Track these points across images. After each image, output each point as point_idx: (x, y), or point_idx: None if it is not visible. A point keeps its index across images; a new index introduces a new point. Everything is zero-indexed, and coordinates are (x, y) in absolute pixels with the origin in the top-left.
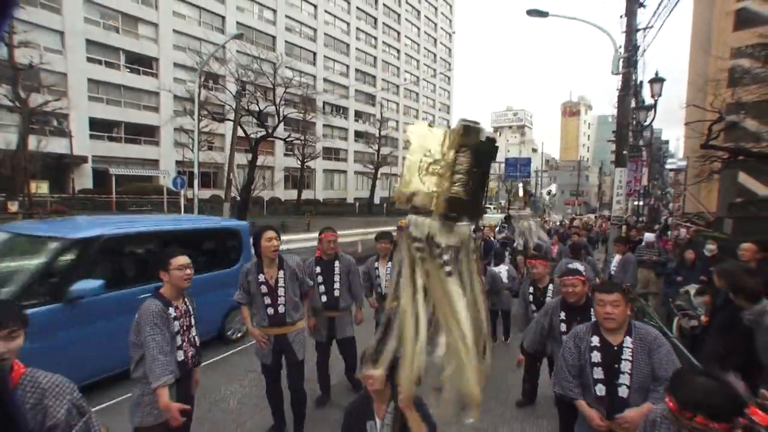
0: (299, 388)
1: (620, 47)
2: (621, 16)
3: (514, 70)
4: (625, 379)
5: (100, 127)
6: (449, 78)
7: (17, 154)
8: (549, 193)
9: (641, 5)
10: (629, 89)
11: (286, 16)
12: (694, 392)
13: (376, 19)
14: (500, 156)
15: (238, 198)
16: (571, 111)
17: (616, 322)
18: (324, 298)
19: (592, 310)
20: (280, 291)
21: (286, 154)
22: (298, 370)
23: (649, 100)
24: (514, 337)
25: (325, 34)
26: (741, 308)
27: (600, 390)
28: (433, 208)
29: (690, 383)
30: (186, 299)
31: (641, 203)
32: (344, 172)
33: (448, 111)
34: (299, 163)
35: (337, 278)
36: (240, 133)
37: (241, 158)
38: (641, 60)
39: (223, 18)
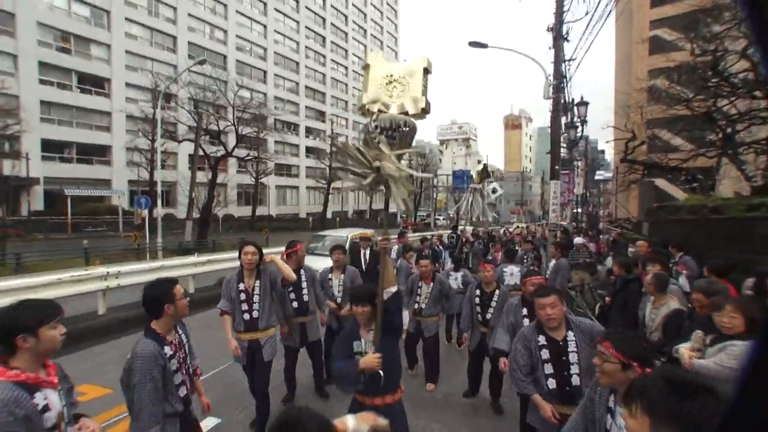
0: (263, 389)
1: (550, 75)
2: (549, 48)
3: (457, 85)
4: (575, 368)
5: (51, 148)
6: None
7: None
8: (494, 191)
9: (566, 39)
10: (559, 112)
11: (237, 36)
12: (623, 341)
13: (324, 38)
14: (447, 169)
15: (198, 216)
16: (513, 124)
17: (556, 321)
18: (295, 305)
19: None
20: (256, 298)
21: (239, 171)
22: (264, 372)
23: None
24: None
25: (275, 52)
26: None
27: (551, 384)
28: (398, 111)
29: (620, 336)
30: (178, 327)
31: (579, 210)
32: (296, 187)
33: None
34: (253, 179)
35: (304, 284)
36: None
37: (196, 177)
38: (575, 81)
39: (175, 38)
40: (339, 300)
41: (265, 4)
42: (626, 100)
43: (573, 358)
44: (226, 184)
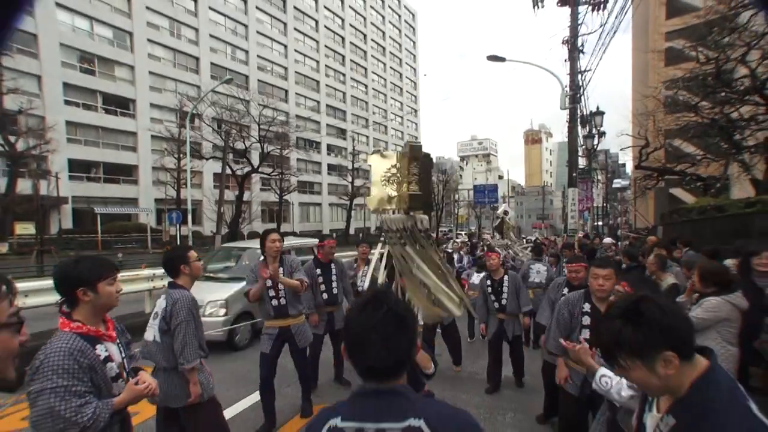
0: (305, 366)
1: (566, 87)
2: (565, 60)
3: (477, 101)
4: None
5: (78, 168)
6: (416, 111)
7: (7, 196)
8: (506, 213)
9: (581, 52)
10: (576, 122)
11: (258, 56)
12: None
13: (343, 57)
14: (468, 183)
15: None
16: (533, 139)
17: (605, 292)
18: (325, 296)
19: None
20: (280, 285)
21: (262, 189)
22: (303, 356)
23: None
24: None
25: (295, 72)
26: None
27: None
28: (397, 206)
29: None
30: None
31: (601, 223)
32: (319, 204)
33: (416, 142)
34: (276, 197)
35: (334, 278)
36: (220, 170)
37: (215, 194)
38: (593, 92)
39: (197, 59)
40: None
41: (284, 24)
42: (641, 109)
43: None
44: (251, 201)
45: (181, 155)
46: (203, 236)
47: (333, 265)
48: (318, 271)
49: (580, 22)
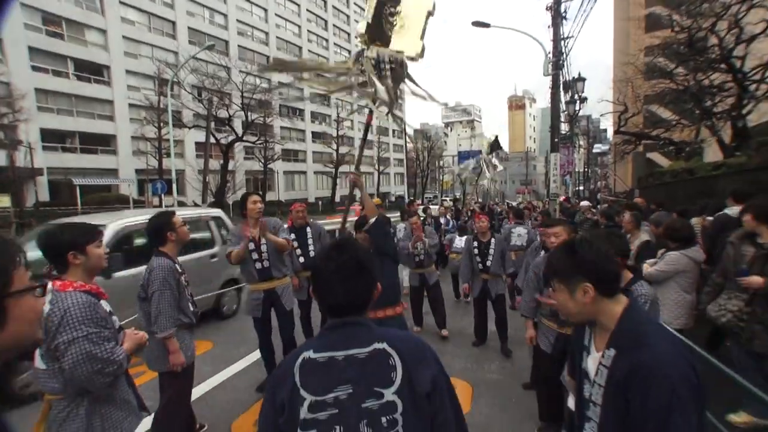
0: (290, 336)
1: (549, 53)
2: (548, 27)
3: (461, 66)
4: None
5: (52, 138)
6: None
7: None
8: (495, 166)
9: (564, 18)
10: (558, 88)
11: (238, 20)
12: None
13: (326, 21)
14: (452, 150)
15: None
16: (516, 105)
17: None
18: (302, 259)
19: None
20: (263, 247)
21: (246, 158)
22: (289, 319)
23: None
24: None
25: (277, 37)
26: None
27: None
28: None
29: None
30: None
31: (582, 187)
32: (304, 172)
33: (401, 109)
34: (261, 165)
35: (310, 241)
36: (202, 139)
37: (197, 163)
38: (574, 58)
39: (174, 23)
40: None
41: None
42: (621, 75)
43: None
44: (235, 170)
45: (162, 124)
46: (187, 206)
47: (309, 229)
48: (292, 236)
49: None
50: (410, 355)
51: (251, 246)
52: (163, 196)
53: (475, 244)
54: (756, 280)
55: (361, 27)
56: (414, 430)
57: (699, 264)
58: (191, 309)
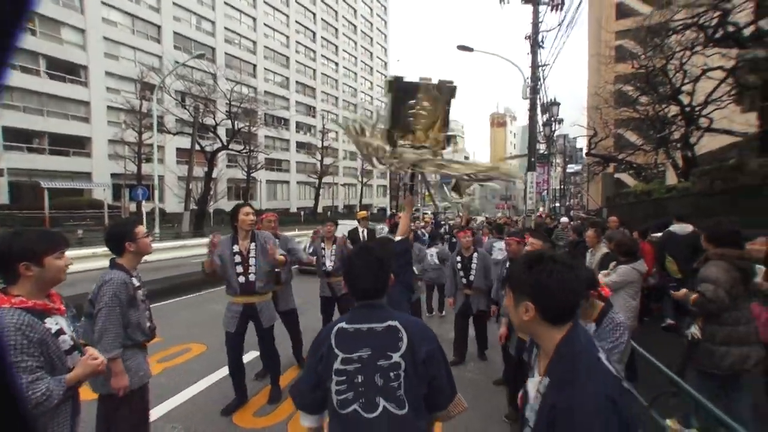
0: (271, 350)
1: (527, 78)
2: (527, 54)
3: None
4: None
5: (16, 137)
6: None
7: None
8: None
9: (541, 47)
10: (536, 111)
11: (225, 28)
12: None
13: (314, 33)
14: None
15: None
16: (498, 122)
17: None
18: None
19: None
20: (252, 261)
21: (229, 166)
22: (268, 334)
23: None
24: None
25: (264, 46)
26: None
27: None
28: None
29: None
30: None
31: (558, 204)
32: (287, 182)
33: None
34: (243, 174)
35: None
36: (184, 145)
37: (179, 170)
38: (555, 83)
39: (159, 27)
40: (331, 269)
41: None
42: (594, 101)
43: None
44: (217, 178)
45: (143, 129)
46: (166, 213)
47: (276, 242)
48: (279, 250)
49: (540, 19)
50: (414, 332)
51: (237, 258)
52: (144, 202)
53: (458, 258)
54: (681, 292)
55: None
56: (410, 384)
57: (642, 275)
58: (148, 325)
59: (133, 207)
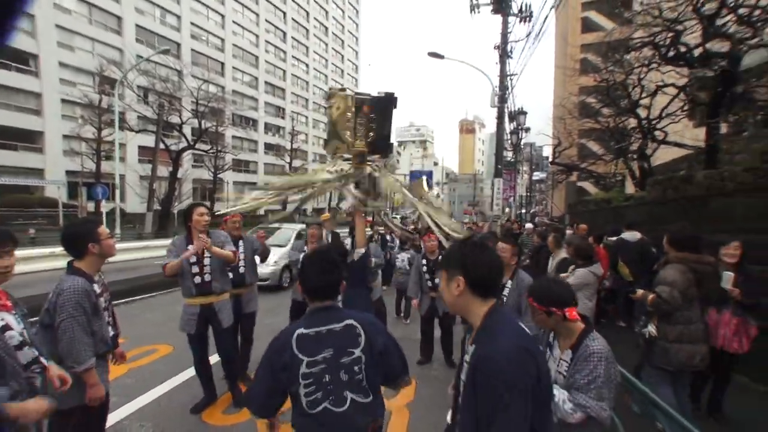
0: (230, 353)
1: (496, 87)
2: (496, 63)
3: (416, 88)
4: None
5: None
6: None
7: None
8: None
9: (509, 57)
10: (503, 119)
11: (192, 23)
12: (540, 291)
13: (285, 33)
14: (405, 169)
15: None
16: (467, 128)
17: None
18: (230, 275)
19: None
20: (207, 261)
21: (194, 166)
22: (226, 336)
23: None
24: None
25: (233, 44)
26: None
27: None
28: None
29: (538, 287)
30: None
31: (524, 210)
32: (254, 183)
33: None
34: (210, 174)
35: (241, 256)
36: (147, 143)
37: (141, 169)
38: (525, 92)
39: (120, 18)
40: None
41: None
42: (560, 111)
43: (503, 300)
44: (182, 178)
45: (103, 125)
46: (126, 213)
47: (241, 243)
48: (242, 249)
49: (509, 30)
50: (370, 328)
51: (192, 259)
52: (104, 201)
53: (424, 261)
54: (639, 293)
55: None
56: (371, 373)
57: (599, 277)
58: (110, 333)
59: (90, 206)
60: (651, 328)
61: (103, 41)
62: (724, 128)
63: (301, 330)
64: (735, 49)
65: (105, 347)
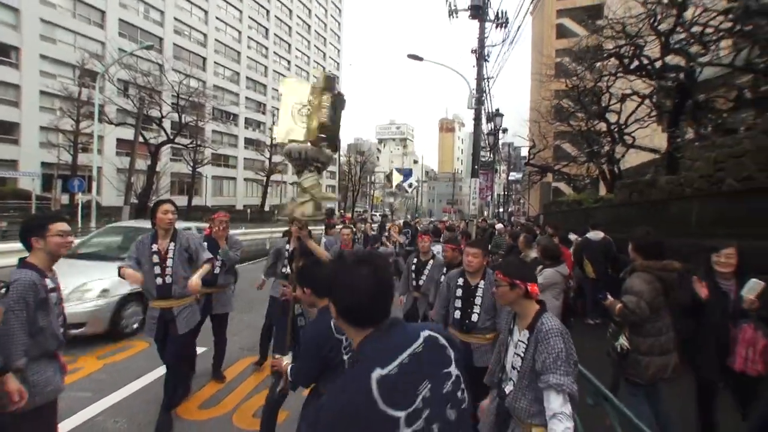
0: (174, 363)
1: (473, 89)
2: (473, 66)
3: (396, 87)
4: (477, 309)
5: None
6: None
7: None
8: (410, 185)
9: (486, 60)
10: (480, 120)
11: (175, 19)
12: (508, 266)
13: (267, 30)
14: (385, 166)
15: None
16: (447, 127)
17: (473, 268)
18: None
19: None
20: (169, 262)
21: (173, 159)
22: (179, 344)
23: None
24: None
25: (216, 40)
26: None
27: (457, 315)
28: (305, 138)
29: (506, 263)
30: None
31: (502, 210)
32: (234, 178)
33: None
34: (188, 168)
35: (218, 256)
36: (125, 136)
37: (119, 161)
38: (504, 94)
39: (103, 13)
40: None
41: None
42: (535, 114)
43: (478, 301)
44: (160, 172)
45: (81, 117)
46: (102, 206)
47: (224, 244)
48: (205, 244)
49: (486, 35)
50: (443, 335)
51: (155, 259)
52: (81, 194)
53: (415, 260)
54: (609, 302)
55: (277, 133)
56: (467, 391)
57: (565, 277)
58: (61, 330)
59: (65, 199)
60: (623, 341)
61: (86, 35)
62: (691, 134)
63: (378, 372)
64: (688, 65)
65: (56, 342)
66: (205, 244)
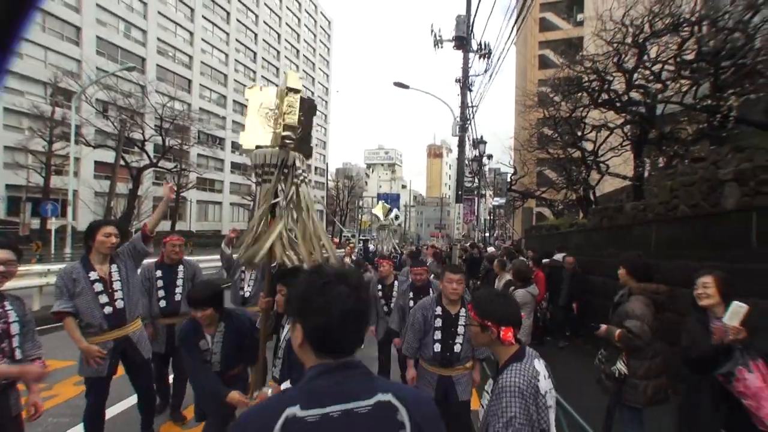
0: (149, 386)
1: (457, 117)
2: (457, 95)
3: (385, 112)
4: (460, 339)
5: None
6: (326, 116)
7: None
8: (396, 217)
9: (470, 89)
10: (464, 147)
11: (159, 39)
12: (481, 302)
13: (255, 53)
14: (373, 191)
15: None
16: (435, 153)
17: (457, 295)
18: (163, 303)
19: (430, 289)
20: (117, 285)
21: (155, 183)
22: (146, 368)
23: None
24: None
25: (201, 62)
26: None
27: (437, 348)
28: (273, 143)
29: (480, 298)
30: (7, 302)
31: (488, 234)
32: (219, 203)
33: (324, 147)
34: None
35: (179, 282)
36: (104, 159)
37: (97, 185)
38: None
39: (79, 29)
40: (249, 295)
41: (192, 9)
42: (518, 142)
43: (461, 330)
44: (141, 196)
45: (54, 138)
46: (78, 231)
47: (181, 268)
48: (158, 273)
49: (470, 65)
50: (422, 416)
51: (98, 287)
52: (54, 219)
53: (379, 286)
54: (602, 329)
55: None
56: None
57: (535, 297)
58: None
59: (35, 223)
60: (620, 366)
61: (59, 51)
62: (661, 162)
63: (294, 410)
64: (647, 101)
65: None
66: (159, 272)
